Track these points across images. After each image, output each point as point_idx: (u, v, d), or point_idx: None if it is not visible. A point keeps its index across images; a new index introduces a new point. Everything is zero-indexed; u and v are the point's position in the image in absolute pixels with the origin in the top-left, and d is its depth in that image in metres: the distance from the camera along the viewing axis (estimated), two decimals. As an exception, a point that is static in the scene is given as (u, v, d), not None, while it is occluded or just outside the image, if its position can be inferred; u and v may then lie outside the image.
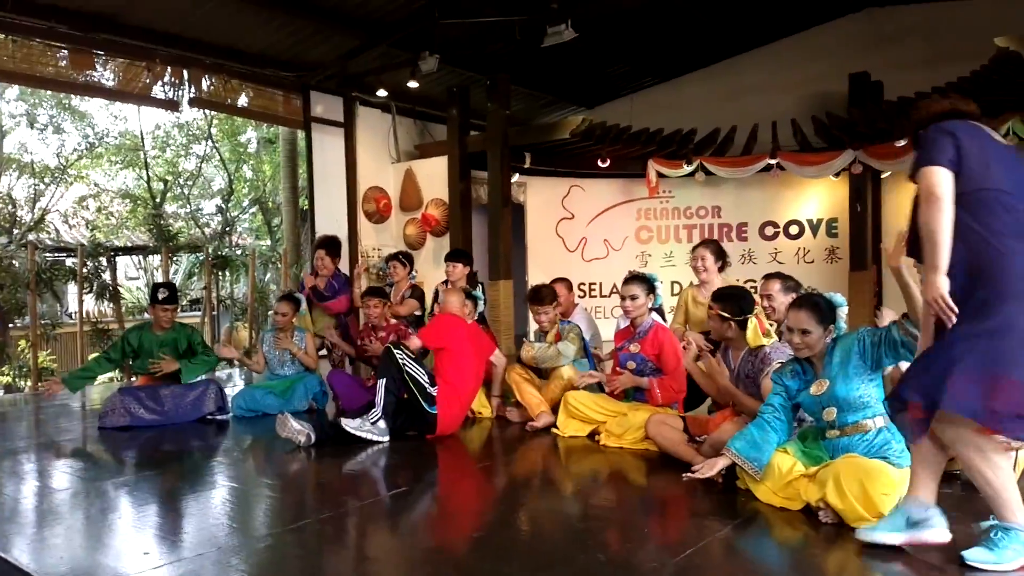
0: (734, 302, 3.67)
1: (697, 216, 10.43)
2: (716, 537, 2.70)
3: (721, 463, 3.17)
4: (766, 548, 2.73)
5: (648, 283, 4.38)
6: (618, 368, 4.44)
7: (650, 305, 4.40)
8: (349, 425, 4.29)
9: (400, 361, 4.42)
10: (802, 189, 10.03)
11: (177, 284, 12.07)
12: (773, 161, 9.01)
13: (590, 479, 3.74)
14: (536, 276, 9.87)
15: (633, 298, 4.35)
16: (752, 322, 3.55)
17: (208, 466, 4.14)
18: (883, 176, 9.41)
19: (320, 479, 3.89)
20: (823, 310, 3.06)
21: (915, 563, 2.55)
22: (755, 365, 3.51)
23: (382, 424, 4.34)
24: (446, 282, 6.01)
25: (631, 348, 4.37)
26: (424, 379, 4.45)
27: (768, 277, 4.26)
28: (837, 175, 9.44)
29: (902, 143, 8.25)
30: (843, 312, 3.13)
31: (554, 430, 4.49)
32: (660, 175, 9.63)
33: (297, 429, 4.27)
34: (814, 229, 10.06)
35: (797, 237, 10.15)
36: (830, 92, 9.13)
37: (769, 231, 10.17)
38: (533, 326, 5.77)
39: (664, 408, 4.19)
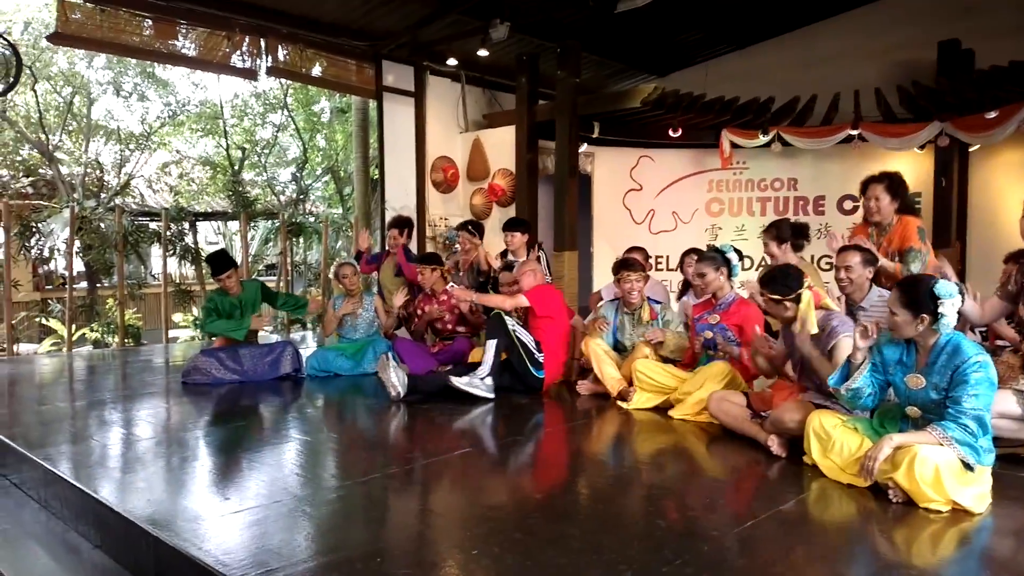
0: (780, 282, 3.51)
1: (772, 188, 10.13)
2: (779, 510, 2.67)
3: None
4: (829, 523, 2.69)
5: (717, 259, 4.28)
6: (695, 336, 4.42)
7: (724, 278, 4.30)
8: (459, 382, 4.48)
9: (510, 326, 4.71)
10: (884, 162, 9.60)
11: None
12: (855, 132, 8.67)
13: (655, 449, 3.73)
14: (602, 248, 9.82)
15: (701, 276, 4.29)
16: (806, 295, 3.44)
17: (283, 421, 4.31)
18: (971, 149, 8.95)
19: (389, 436, 4.01)
20: (914, 296, 2.81)
21: (988, 541, 2.49)
22: (822, 340, 3.40)
23: (489, 381, 4.55)
24: (505, 251, 6.04)
25: (710, 319, 4.32)
26: (532, 345, 4.79)
27: (844, 250, 4.12)
28: (922, 148, 9.02)
29: (993, 115, 7.82)
30: (949, 305, 2.74)
31: (621, 403, 4.43)
32: (734, 145, 9.38)
33: (393, 382, 4.47)
34: (895, 204, 9.65)
35: (876, 212, 9.76)
36: (917, 60, 8.71)
37: (848, 205, 9.81)
38: (605, 294, 5.58)
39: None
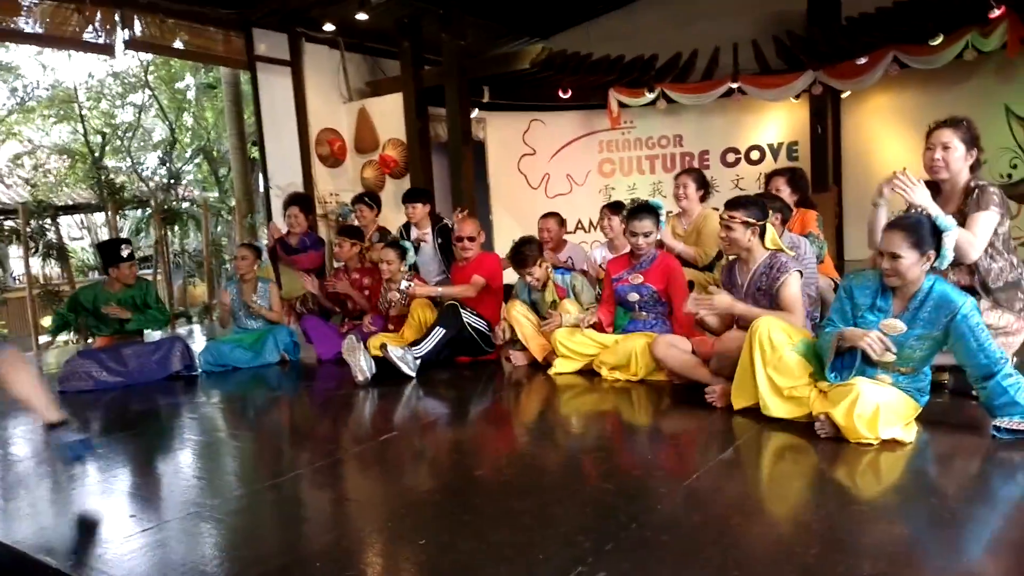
0: (757, 207, 3.36)
1: (659, 146, 10.30)
2: (720, 459, 2.65)
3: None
4: (770, 466, 2.69)
5: (656, 213, 4.07)
6: (610, 297, 4.25)
7: (658, 236, 4.16)
8: (393, 353, 4.31)
9: (465, 319, 4.61)
10: (763, 113, 9.96)
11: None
12: (734, 85, 8.89)
13: (587, 413, 3.65)
14: (500, 215, 9.71)
15: (647, 235, 4.04)
16: (770, 228, 3.38)
17: (180, 424, 3.95)
18: (843, 96, 9.38)
19: (303, 429, 3.76)
20: (922, 233, 2.68)
21: (925, 467, 2.55)
22: (771, 276, 3.31)
23: (418, 362, 4.40)
24: (407, 224, 5.80)
25: (631, 279, 4.12)
26: (484, 327, 4.74)
27: (775, 174, 4.16)
28: (797, 97, 9.38)
29: (863, 61, 8.20)
30: (951, 238, 2.68)
31: (550, 371, 4.28)
32: (621, 105, 9.45)
33: (362, 366, 4.26)
34: (775, 153, 10.02)
35: (758, 163, 10.11)
36: (789, 11, 8.98)
37: (731, 158, 10.11)
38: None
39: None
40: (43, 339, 7.21)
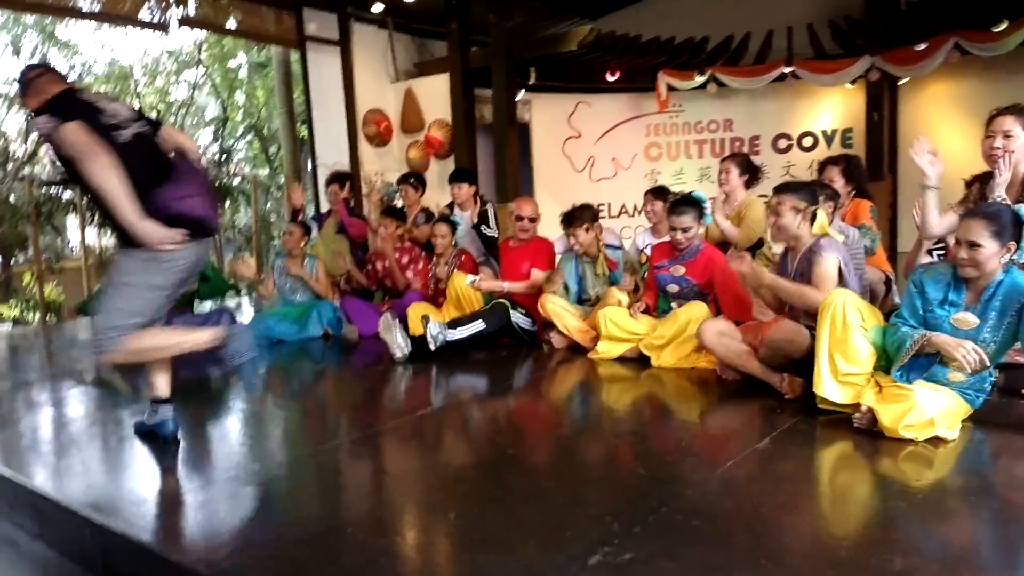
0: (806, 192, 3.26)
1: (708, 131, 10.14)
2: (756, 449, 2.62)
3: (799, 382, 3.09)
4: (807, 457, 2.65)
5: (698, 207, 4.01)
6: (653, 285, 4.20)
7: (699, 231, 4.07)
8: (430, 330, 4.32)
9: (513, 319, 4.64)
10: (816, 99, 9.72)
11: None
12: (788, 69, 8.69)
13: (626, 397, 3.63)
14: (543, 198, 9.64)
15: (685, 231, 3.98)
16: (820, 213, 3.28)
17: (226, 392, 4.07)
18: (900, 83, 9.10)
19: (342, 402, 3.83)
20: (1003, 222, 2.57)
21: (958, 467, 2.49)
22: (811, 260, 3.20)
23: (443, 343, 4.37)
24: (451, 204, 5.83)
25: (673, 270, 4.07)
26: (530, 325, 4.75)
27: (829, 162, 4.06)
28: (853, 83, 9.13)
29: (922, 47, 7.93)
30: None
31: (591, 354, 4.24)
32: (670, 88, 9.31)
33: (399, 343, 4.30)
34: (828, 140, 9.78)
35: (811, 149, 9.88)
36: (844, -5, 8.73)
37: (782, 144, 9.91)
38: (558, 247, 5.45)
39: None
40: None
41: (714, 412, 3.30)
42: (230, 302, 8.21)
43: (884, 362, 2.81)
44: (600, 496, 2.26)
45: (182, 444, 2.99)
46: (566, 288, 4.69)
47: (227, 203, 10.40)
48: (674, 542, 1.92)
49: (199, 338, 2.82)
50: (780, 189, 3.32)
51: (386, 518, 2.23)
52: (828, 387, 2.85)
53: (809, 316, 3.15)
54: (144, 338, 2.71)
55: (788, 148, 9.92)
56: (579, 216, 4.53)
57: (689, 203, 4.03)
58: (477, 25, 8.48)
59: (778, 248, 4.16)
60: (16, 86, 2.80)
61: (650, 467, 2.54)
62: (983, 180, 3.25)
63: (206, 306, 6.58)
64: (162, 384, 2.94)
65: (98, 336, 2.65)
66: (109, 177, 2.47)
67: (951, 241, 3.19)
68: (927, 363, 2.66)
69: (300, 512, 2.30)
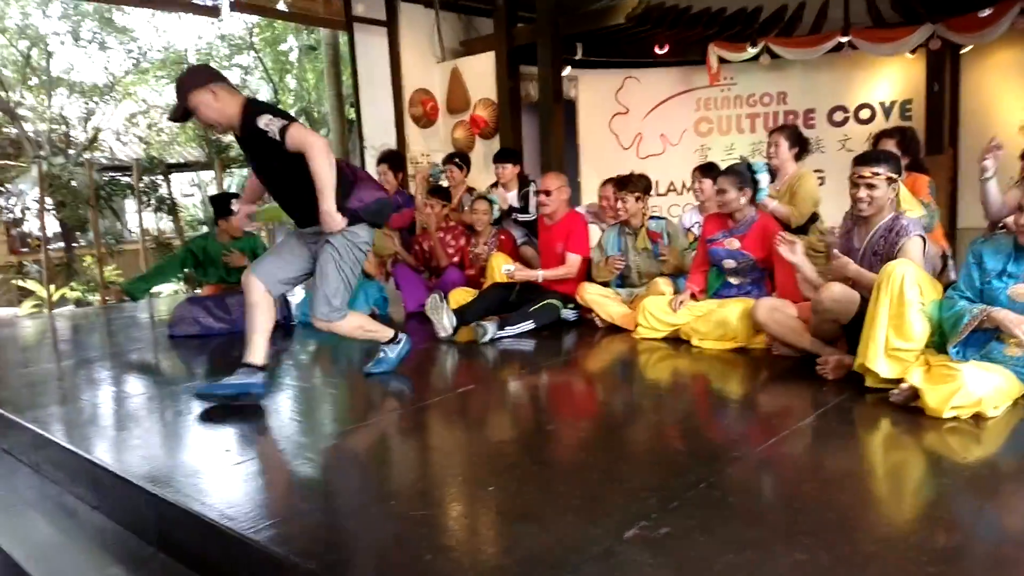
0: (895, 161, 3.10)
1: (761, 104, 9.89)
2: (800, 426, 2.59)
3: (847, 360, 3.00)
4: (849, 435, 2.60)
5: (742, 176, 3.86)
6: (704, 260, 4.12)
7: (744, 200, 3.88)
8: (481, 334, 4.27)
9: (563, 316, 4.66)
10: (874, 70, 9.39)
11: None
12: (845, 39, 8.39)
13: (668, 376, 3.62)
14: (589, 176, 9.59)
15: (722, 192, 3.87)
16: (901, 186, 3.15)
17: (277, 369, 4.17)
18: (963, 52, 8.72)
19: (387, 379, 3.88)
20: None
21: (1007, 447, 2.42)
22: (889, 239, 3.06)
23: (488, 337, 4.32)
24: (496, 184, 5.83)
25: (727, 243, 3.96)
26: (576, 316, 4.74)
27: (884, 135, 3.91)
28: (913, 52, 8.78)
29: (987, 13, 7.57)
30: None
31: (633, 333, 4.21)
32: (722, 60, 9.10)
33: (444, 324, 4.34)
34: (887, 112, 9.45)
35: (868, 122, 9.56)
36: (905, -40, 8.37)
37: (838, 116, 9.61)
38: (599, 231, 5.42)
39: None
40: (154, 288, 7.71)
41: (758, 390, 3.26)
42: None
43: (938, 338, 2.72)
44: (638, 472, 2.27)
45: (233, 419, 3.09)
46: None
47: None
48: (711, 517, 1.91)
49: (384, 333, 3.53)
50: (869, 160, 3.13)
51: (427, 490, 2.27)
52: (876, 361, 2.77)
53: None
54: (356, 318, 3.40)
55: (844, 121, 9.62)
56: (634, 183, 4.50)
57: (732, 170, 3.94)
58: (523, 1, 8.42)
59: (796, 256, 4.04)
60: (174, 86, 3.08)
61: (691, 444, 2.53)
62: None
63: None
64: (264, 351, 3.25)
65: (329, 311, 3.18)
66: (331, 170, 2.91)
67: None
68: (985, 339, 2.57)
69: (345, 484, 2.37)
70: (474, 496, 2.15)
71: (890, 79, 9.40)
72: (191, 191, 15.41)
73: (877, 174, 3.08)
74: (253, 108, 2.95)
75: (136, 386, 3.88)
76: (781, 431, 2.54)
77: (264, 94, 16.52)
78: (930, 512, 1.91)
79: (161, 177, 8.27)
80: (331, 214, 2.97)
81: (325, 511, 2.12)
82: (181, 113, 2.98)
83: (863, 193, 3.10)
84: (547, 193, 4.84)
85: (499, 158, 5.84)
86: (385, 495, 2.21)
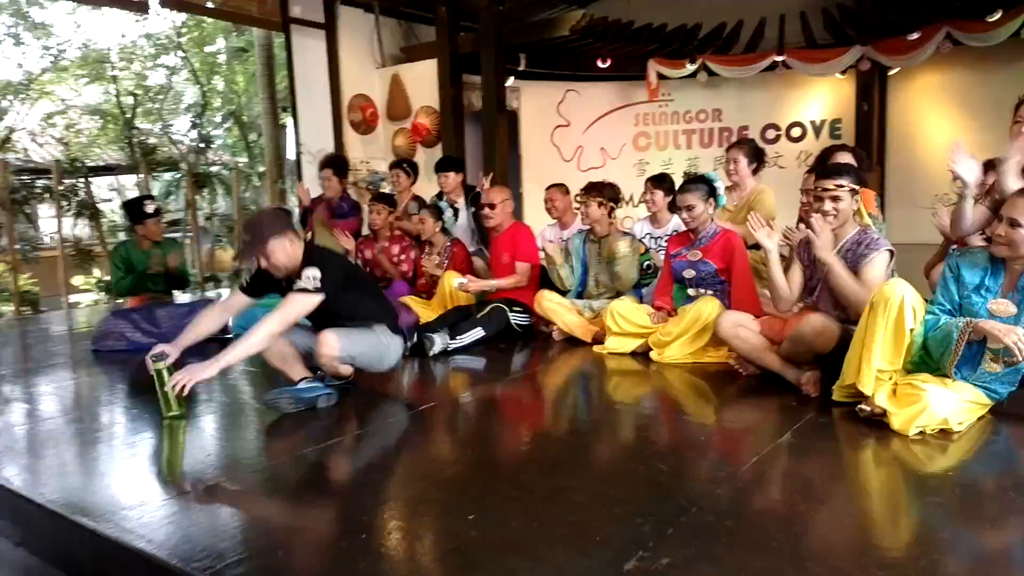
0: (855, 173, 3.09)
1: (697, 120, 10.05)
2: (779, 444, 2.53)
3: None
4: (831, 452, 2.56)
5: (705, 186, 3.85)
6: (669, 279, 4.08)
7: (711, 210, 3.89)
8: (426, 340, 4.12)
9: (512, 321, 4.57)
10: (805, 89, 9.67)
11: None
12: (780, 58, 8.62)
13: (637, 392, 3.53)
14: (531, 187, 9.53)
15: (689, 209, 3.84)
16: (858, 198, 3.13)
17: (213, 386, 3.89)
18: (890, 73, 9.07)
19: (343, 398, 3.66)
20: None
21: (986, 460, 2.42)
22: (858, 252, 3.06)
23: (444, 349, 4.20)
24: (440, 194, 5.68)
25: (689, 255, 3.93)
26: (528, 321, 4.68)
27: (834, 150, 3.97)
28: (843, 73, 9.08)
29: (915, 36, 7.88)
30: None
31: (596, 347, 4.14)
32: (661, 76, 9.21)
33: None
34: (817, 131, 9.74)
35: (799, 140, 9.84)
36: (838, -17, 8.65)
37: (771, 134, 9.84)
38: (555, 235, 5.34)
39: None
40: (73, 298, 7.22)
41: (729, 406, 3.21)
42: (211, 293, 8.01)
43: (920, 355, 2.69)
44: (624, 494, 2.16)
45: (175, 443, 2.84)
46: (571, 269, 4.61)
47: (205, 191, 10.13)
48: (711, 545, 1.82)
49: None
50: (831, 173, 3.13)
51: (402, 521, 2.10)
52: (871, 384, 2.69)
53: (838, 308, 3.05)
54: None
55: (776, 138, 9.86)
56: (599, 189, 4.46)
57: (695, 181, 3.90)
58: (466, 9, 8.31)
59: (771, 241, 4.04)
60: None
61: (671, 463, 2.43)
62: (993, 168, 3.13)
63: (186, 297, 6.40)
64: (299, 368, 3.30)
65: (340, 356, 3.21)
66: (259, 341, 3.12)
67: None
68: (976, 355, 2.53)
69: (309, 515, 2.16)
70: (455, 527, 1.98)
71: (821, 99, 9.69)
72: (110, 195, 14.63)
73: (841, 186, 3.09)
74: (309, 259, 3.17)
75: (55, 405, 3.54)
76: (762, 449, 2.48)
77: (191, 96, 15.91)
78: (930, 534, 1.86)
79: (82, 180, 7.75)
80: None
81: (291, 547, 1.92)
82: (251, 255, 3.17)
83: (829, 206, 3.10)
84: (491, 206, 4.80)
85: (441, 166, 5.71)
86: (355, 528, 2.02)
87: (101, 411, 3.40)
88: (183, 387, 2.92)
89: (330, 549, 1.89)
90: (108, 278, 5.42)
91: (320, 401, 3.17)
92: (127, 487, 2.41)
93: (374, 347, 3.32)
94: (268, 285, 3.37)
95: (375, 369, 3.38)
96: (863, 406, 2.68)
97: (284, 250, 3.14)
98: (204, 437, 3.02)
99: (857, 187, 3.12)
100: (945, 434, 2.52)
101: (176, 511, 2.16)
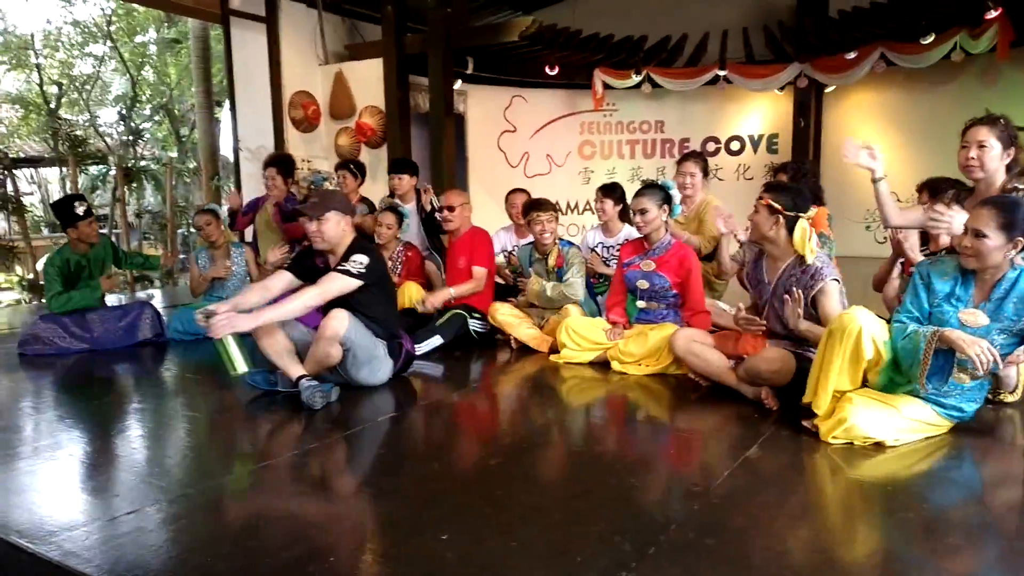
0: (790, 195, 3.08)
1: (640, 131, 10.20)
2: (747, 458, 2.52)
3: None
4: (800, 464, 2.56)
5: (661, 193, 3.83)
6: (621, 287, 4.03)
7: (665, 217, 3.86)
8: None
9: (471, 327, 4.52)
10: (745, 103, 9.92)
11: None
12: (721, 73, 8.81)
13: (599, 404, 3.47)
14: (477, 191, 9.46)
15: (643, 212, 3.80)
16: (802, 224, 3.08)
17: (154, 395, 3.69)
18: (826, 91, 9.38)
19: (284, 408, 3.51)
20: (1015, 217, 2.45)
21: (948, 470, 2.47)
22: (802, 281, 3.05)
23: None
24: (392, 195, 5.56)
25: (643, 265, 3.89)
26: (484, 327, 4.60)
27: (784, 168, 3.95)
28: (782, 89, 9.35)
29: (852, 55, 8.17)
30: None
31: (554, 357, 4.06)
32: (606, 86, 9.30)
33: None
34: (755, 145, 10.01)
35: (738, 153, 10.09)
36: (777, 2, 8.91)
37: (711, 147, 10.06)
38: (511, 242, 5.30)
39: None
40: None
41: (691, 417, 3.20)
42: (141, 294, 7.65)
43: (890, 365, 2.68)
44: (599, 511, 2.11)
45: (111, 457, 2.66)
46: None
47: (134, 186, 9.69)
48: (694, 564, 1.78)
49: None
50: (766, 187, 3.20)
51: (370, 542, 2.00)
52: (826, 405, 2.72)
53: (786, 329, 3.08)
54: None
55: (716, 151, 10.09)
56: (548, 204, 4.47)
57: (649, 187, 3.88)
58: (412, 10, 8.19)
59: (734, 248, 4.11)
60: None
61: (641, 478, 2.40)
62: (957, 195, 3.20)
63: (114, 300, 6.08)
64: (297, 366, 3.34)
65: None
66: (302, 303, 3.26)
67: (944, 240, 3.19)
68: (944, 363, 2.52)
69: (266, 536, 2.03)
70: (428, 547, 1.89)
71: (760, 113, 9.95)
72: (30, 189, 13.86)
73: (760, 199, 3.16)
74: (358, 247, 3.43)
75: (-22, 415, 3.29)
76: (731, 463, 2.46)
77: (119, 87, 15.22)
78: (906, 548, 1.87)
79: (5, 172, 7.29)
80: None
81: (248, 572, 1.80)
82: (312, 214, 3.34)
83: (750, 215, 3.22)
84: (451, 209, 4.73)
85: (395, 168, 5.58)
86: (320, 550, 1.91)
87: (33, 420, 3.16)
88: (241, 345, 3.15)
89: (294, 574, 1.78)
90: (31, 277, 5.05)
91: (332, 395, 3.26)
92: (68, 506, 2.23)
93: (368, 351, 3.40)
94: (308, 270, 3.50)
95: (354, 375, 3.41)
96: (805, 422, 2.75)
97: (338, 226, 3.39)
98: (142, 450, 2.84)
99: (779, 207, 3.09)
100: (879, 447, 2.57)
101: (119, 532, 2.00)
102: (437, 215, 5.06)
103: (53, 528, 2.03)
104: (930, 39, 7.40)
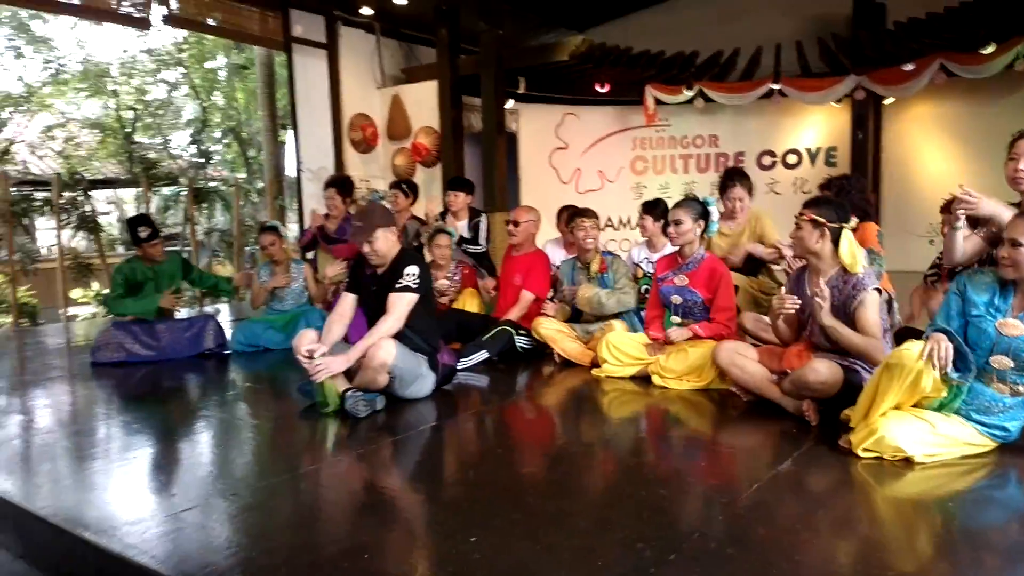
0: (831, 208, 3.08)
1: (694, 146, 10.15)
2: (779, 471, 2.55)
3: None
4: (832, 480, 2.56)
5: (699, 207, 3.89)
6: (657, 298, 4.07)
7: (700, 231, 3.90)
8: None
9: (518, 344, 4.60)
10: (801, 117, 9.78)
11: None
12: (775, 86, 8.72)
13: (636, 417, 3.53)
14: (530, 208, 9.60)
15: (677, 223, 3.86)
16: (847, 236, 3.08)
17: (216, 402, 3.91)
18: (885, 103, 9.19)
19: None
20: None
21: (989, 489, 2.44)
22: (844, 292, 3.06)
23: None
24: (444, 212, 5.73)
25: (676, 280, 3.93)
26: (530, 344, 4.63)
27: (832, 182, 3.92)
28: (839, 102, 9.20)
29: (910, 67, 8.00)
30: None
31: (595, 371, 4.11)
32: (658, 102, 9.31)
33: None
34: (812, 158, 9.84)
35: (795, 167, 9.94)
36: (834, 14, 8.80)
37: (766, 161, 9.94)
38: (559, 256, 5.36)
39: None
40: (71, 311, 7.21)
41: (729, 431, 3.22)
42: (208, 308, 8.00)
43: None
44: (625, 519, 2.17)
45: (175, 458, 2.85)
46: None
47: (204, 207, 10.16)
48: (713, 572, 1.83)
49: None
50: (807, 203, 3.21)
51: (404, 542, 2.11)
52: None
53: (831, 340, 3.07)
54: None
55: (772, 165, 9.96)
56: (588, 212, 4.60)
57: (692, 201, 3.96)
58: (465, 32, 8.42)
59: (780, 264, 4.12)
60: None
61: (671, 489, 2.45)
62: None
63: (184, 313, 6.40)
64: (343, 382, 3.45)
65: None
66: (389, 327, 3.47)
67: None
68: (962, 355, 2.52)
69: (310, 534, 2.17)
70: (458, 549, 1.99)
71: (816, 126, 9.80)
72: (107, 209, 14.61)
73: (803, 215, 3.16)
74: (406, 257, 3.60)
75: (53, 418, 3.55)
76: (762, 476, 2.49)
77: (190, 111, 15.95)
78: (936, 566, 1.88)
79: (82, 193, 7.76)
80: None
81: (293, 566, 1.93)
82: (361, 237, 3.51)
83: (792, 232, 3.23)
84: (515, 224, 4.85)
85: (453, 186, 5.75)
86: (357, 548, 2.03)
87: (102, 424, 3.40)
88: (335, 385, 3.35)
89: (332, 569, 1.90)
90: (106, 292, 5.37)
91: (377, 403, 3.40)
92: (130, 502, 2.42)
93: (414, 372, 3.54)
94: (362, 284, 3.70)
95: (401, 393, 3.54)
96: (841, 440, 2.74)
97: (387, 239, 3.56)
98: (203, 453, 3.03)
99: (823, 220, 3.09)
100: (908, 463, 2.54)
101: (177, 527, 2.16)
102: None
103: (116, 523, 2.21)
104: (991, 49, 7.20)
